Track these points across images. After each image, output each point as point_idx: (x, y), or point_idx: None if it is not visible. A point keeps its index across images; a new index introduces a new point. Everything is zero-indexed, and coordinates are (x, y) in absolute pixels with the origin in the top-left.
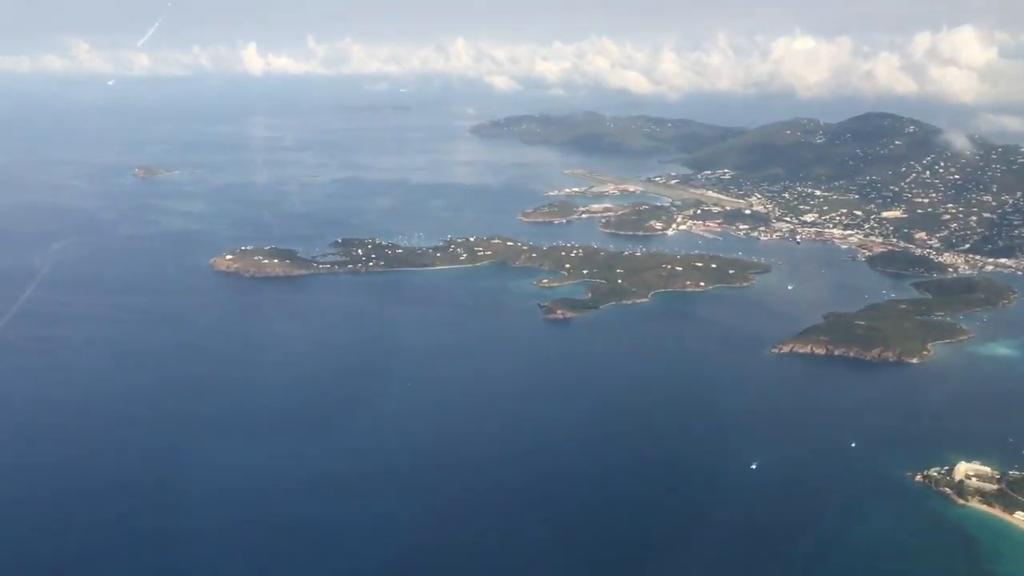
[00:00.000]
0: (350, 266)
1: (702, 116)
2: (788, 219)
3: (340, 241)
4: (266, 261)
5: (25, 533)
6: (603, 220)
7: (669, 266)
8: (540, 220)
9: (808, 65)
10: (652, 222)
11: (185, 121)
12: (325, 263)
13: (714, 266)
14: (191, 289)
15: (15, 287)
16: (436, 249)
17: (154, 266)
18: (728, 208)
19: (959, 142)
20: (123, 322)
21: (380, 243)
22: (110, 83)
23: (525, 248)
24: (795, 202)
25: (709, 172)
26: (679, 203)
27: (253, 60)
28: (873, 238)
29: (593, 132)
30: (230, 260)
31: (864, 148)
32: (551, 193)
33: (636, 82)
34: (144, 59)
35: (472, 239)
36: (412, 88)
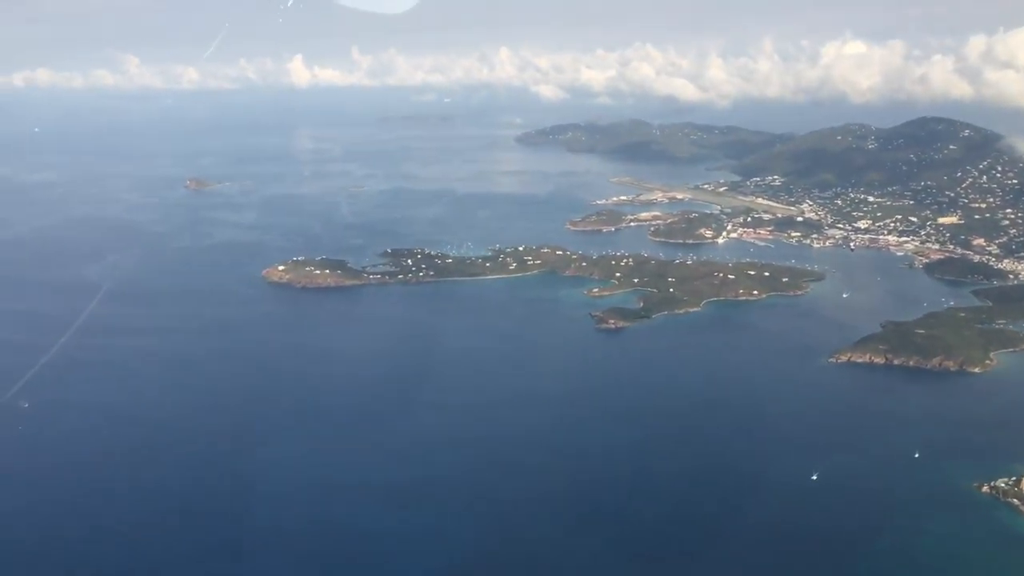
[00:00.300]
0: (400, 276)
1: (749, 123)
2: (841, 226)
3: (390, 251)
4: (317, 272)
5: (97, 544)
6: (652, 228)
7: (721, 274)
8: (588, 229)
9: (859, 70)
10: (702, 230)
11: (233, 133)
12: (376, 273)
13: (767, 274)
14: (245, 300)
15: (77, 299)
16: (485, 259)
17: (208, 277)
18: (779, 215)
19: (1018, 146)
20: (181, 332)
21: (430, 253)
22: (168, 101)
23: (575, 257)
24: (848, 208)
25: (758, 179)
26: (729, 210)
27: (300, 72)
28: (929, 245)
29: (639, 140)
30: (282, 271)
31: (918, 153)
32: (599, 202)
33: (684, 89)
34: (193, 73)
35: (520, 248)
36: (458, 98)
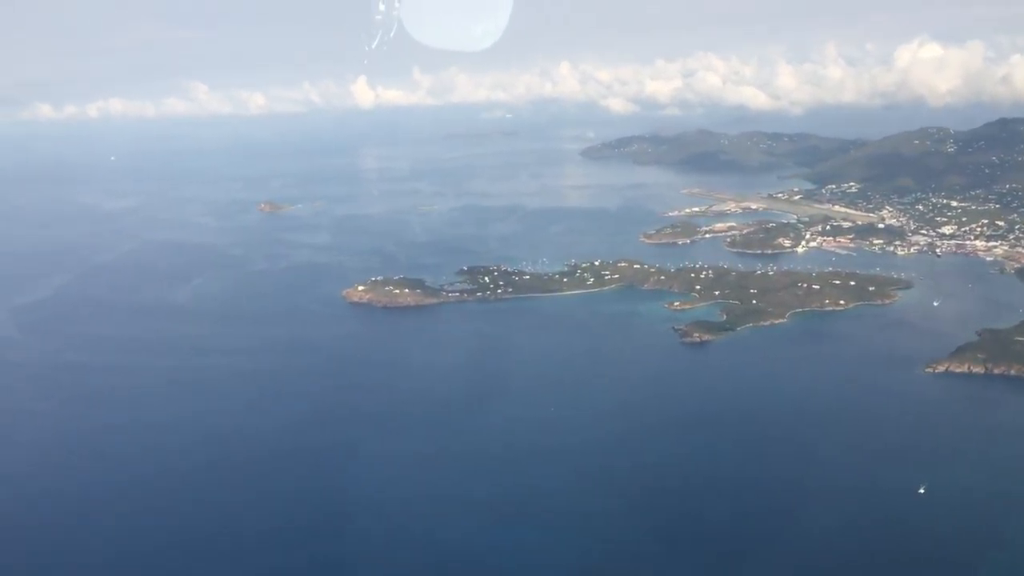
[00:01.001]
0: (479, 294)
1: (817, 129)
2: (924, 232)
3: (466, 269)
4: (397, 291)
5: (207, 561)
6: (728, 239)
7: (805, 284)
8: (663, 241)
9: (937, 72)
10: (780, 239)
11: (301, 156)
12: (454, 291)
13: (852, 283)
14: (328, 320)
15: (166, 321)
16: (562, 274)
17: (290, 298)
18: (859, 223)
19: None
20: (269, 352)
21: (506, 270)
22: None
23: (652, 270)
24: (930, 214)
25: (833, 186)
26: (806, 219)
27: (363, 93)
28: (1020, 249)
29: (707, 150)
30: (362, 291)
31: (1000, 155)
32: (671, 213)
33: (754, 98)
34: (259, 98)
35: (596, 263)
36: (526, 114)
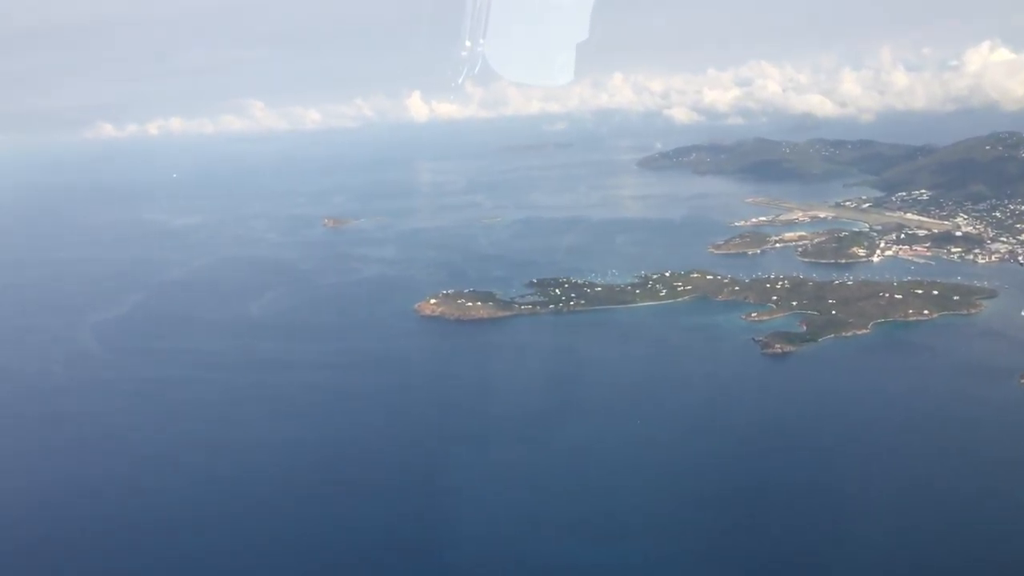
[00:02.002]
0: (551, 306)
1: (889, 135)
2: (1004, 239)
3: (535, 281)
4: (469, 304)
5: None
6: (799, 249)
7: (886, 294)
8: (732, 252)
9: (1010, 77)
10: (854, 249)
11: (359, 170)
12: (526, 304)
13: (935, 293)
14: (402, 334)
15: (243, 336)
16: (633, 285)
17: (362, 312)
18: (934, 231)
19: None
20: (346, 367)
21: (576, 282)
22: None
23: (726, 281)
24: (1009, 221)
25: (903, 194)
26: (878, 228)
27: (418, 108)
28: None
29: (767, 159)
30: (434, 304)
31: None
32: (737, 223)
33: (821, 105)
34: (315, 114)
35: (667, 274)
36: (591, 125)
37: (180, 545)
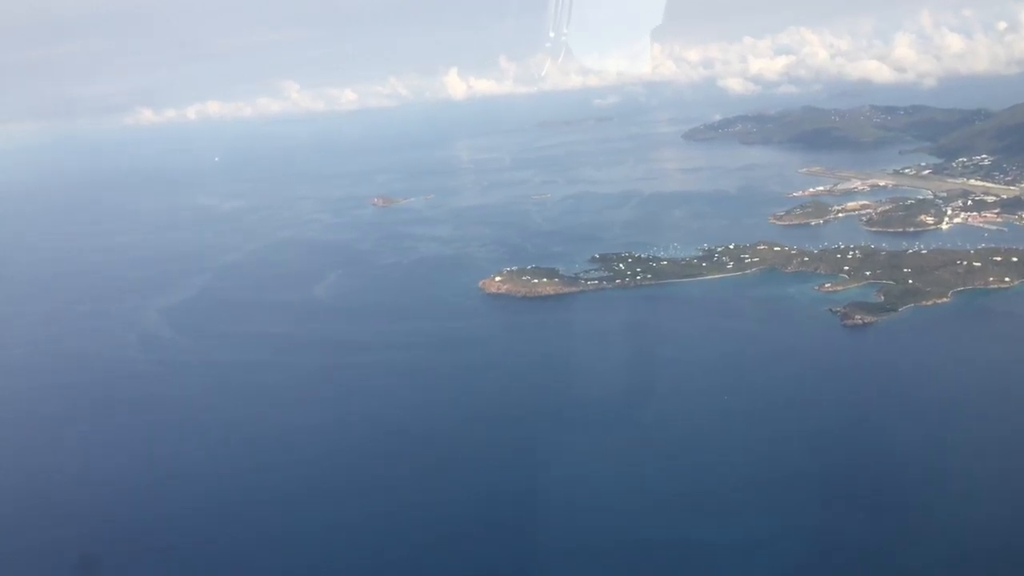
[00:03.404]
0: (617, 281)
1: (936, 101)
2: None
3: (598, 256)
4: (535, 280)
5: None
6: (864, 218)
7: (963, 262)
8: (794, 223)
9: None
10: (922, 216)
11: (399, 150)
12: (592, 279)
13: (1015, 260)
14: (470, 312)
15: (310, 318)
16: (699, 258)
17: (427, 291)
18: (1003, 196)
19: None
20: (419, 347)
21: (639, 256)
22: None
23: (794, 252)
24: None
25: (964, 159)
26: (943, 194)
27: (455, 85)
28: None
29: (817, 127)
30: (499, 281)
31: None
32: (795, 194)
33: (878, 71)
34: (350, 94)
35: (732, 246)
36: (643, 97)
37: (284, 524)
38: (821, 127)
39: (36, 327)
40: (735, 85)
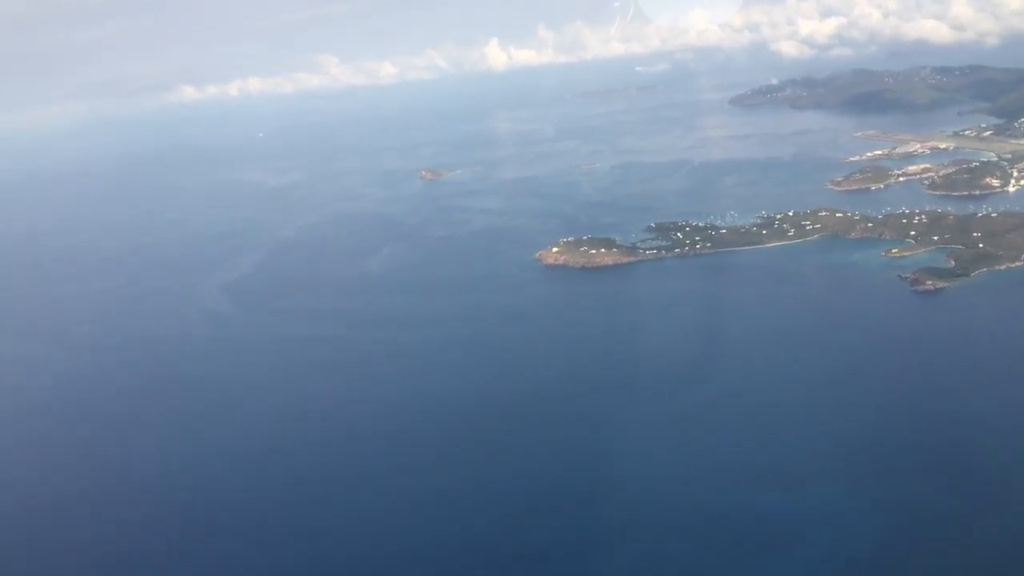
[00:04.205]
0: (676, 250)
1: (992, 60)
2: None
3: (654, 226)
4: (592, 251)
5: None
6: (926, 181)
7: None
8: (854, 188)
9: None
10: (988, 179)
11: (442, 122)
12: (651, 249)
13: None
14: (529, 284)
15: (367, 292)
16: (759, 226)
17: (483, 264)
18: None
19: None
20: (480, 320)
21: (697, 225)
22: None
23: (856, 218)
24: None
25: None
26: (1008, 156)
27: (496, 56)
28: None
29: (868, 90)
30: (556, 252)
31: None
32: (852, 159)
33: (936, 31)
34: (389, 67)
35: (791, 213)
36: (692, 64)
37: (365, 499)
38: (873, 89)
39: (101, 305)
40: (789, 49)
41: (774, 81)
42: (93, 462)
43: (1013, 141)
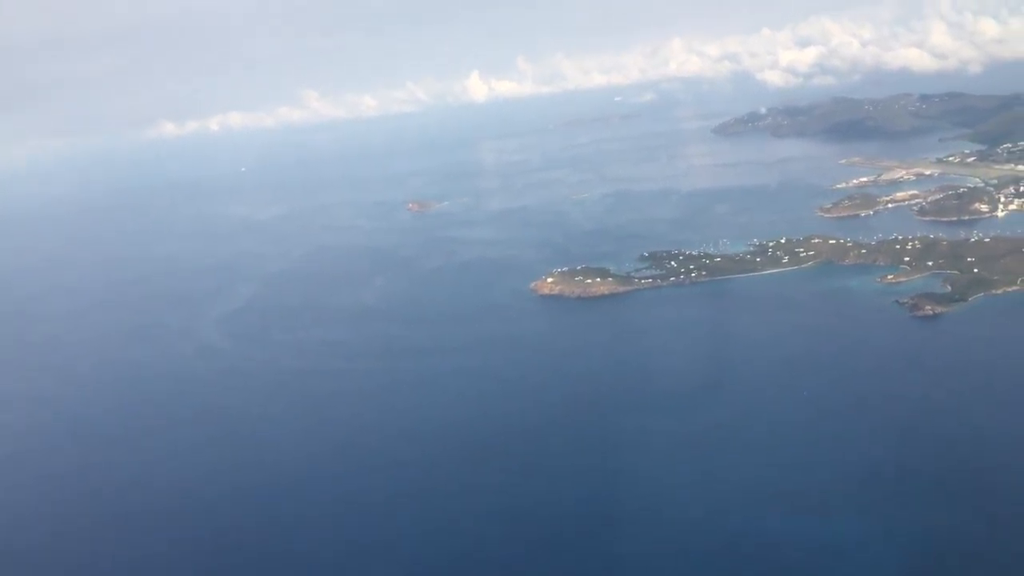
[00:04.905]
0: (671, 279)
1: (979, 88)
2: None
3: (647, 255)
4: (588, 281)
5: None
6: (915, 207)
7: None
8: (844, 214)
9: None
10: (976, 204)
11: (426, 154)
12: (646, 278)
13: None
14: (526, 315)
15: (364, 324)
16: (752, 254)
17: (478, 295)
18: None
19: None
20: (480, 350)
21: (691, 253)
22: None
23: (849, 244)
24: None
25: (1009, 145)
26: (994, 181)
27: (477, 87)
28: None
29: (849, 118)
30: (551, 283)
31: None
32: (839, 186)
33: (918, 60)
34: (370, 100)
35: (783, 240)
36: (680, 94)
37: (383, 527)
38: (854, 117)
39: (99, 341)
40: (774, 78)
41: (762, 110)
42: (101, 500)
43: (997, 166)
